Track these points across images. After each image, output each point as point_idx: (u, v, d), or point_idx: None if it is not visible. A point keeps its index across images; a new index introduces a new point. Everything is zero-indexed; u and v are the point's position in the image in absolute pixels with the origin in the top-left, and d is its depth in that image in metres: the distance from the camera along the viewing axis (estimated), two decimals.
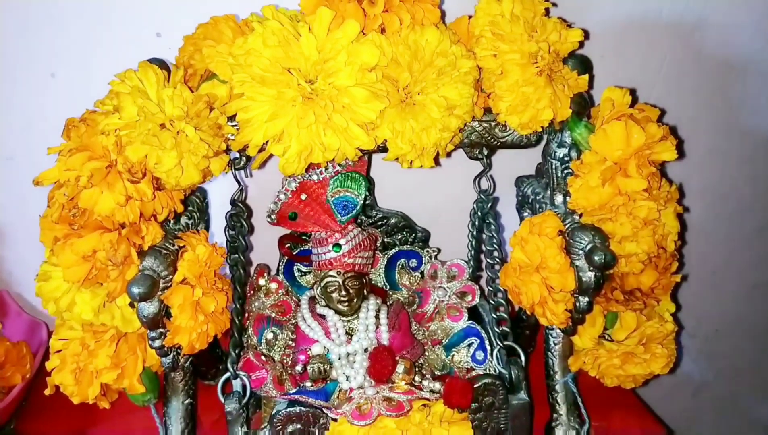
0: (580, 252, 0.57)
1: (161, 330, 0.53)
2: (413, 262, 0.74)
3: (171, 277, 0.53)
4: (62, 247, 0.50)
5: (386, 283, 0.74)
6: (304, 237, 0.70)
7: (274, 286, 0.70)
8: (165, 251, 0.53)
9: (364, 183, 0.63)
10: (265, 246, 0.74)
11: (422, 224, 0.77)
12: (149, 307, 0.51)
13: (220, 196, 0.68)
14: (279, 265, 0.73)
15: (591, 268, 0.56)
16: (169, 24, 0.70)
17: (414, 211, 0.77)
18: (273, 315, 0.68)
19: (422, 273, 0.74)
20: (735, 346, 1.08)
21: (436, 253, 0.74)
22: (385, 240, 0.75)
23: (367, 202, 0.68)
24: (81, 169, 0.48)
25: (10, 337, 0.71)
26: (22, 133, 0.74)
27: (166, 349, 0.54)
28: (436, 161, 0.58)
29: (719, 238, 0.98)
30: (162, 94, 0.50)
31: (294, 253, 0.72)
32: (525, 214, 0.70)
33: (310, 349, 0.61)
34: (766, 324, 1.07)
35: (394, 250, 0.74)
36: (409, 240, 0.76)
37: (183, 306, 0.52)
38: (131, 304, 0.54)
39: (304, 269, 0.73)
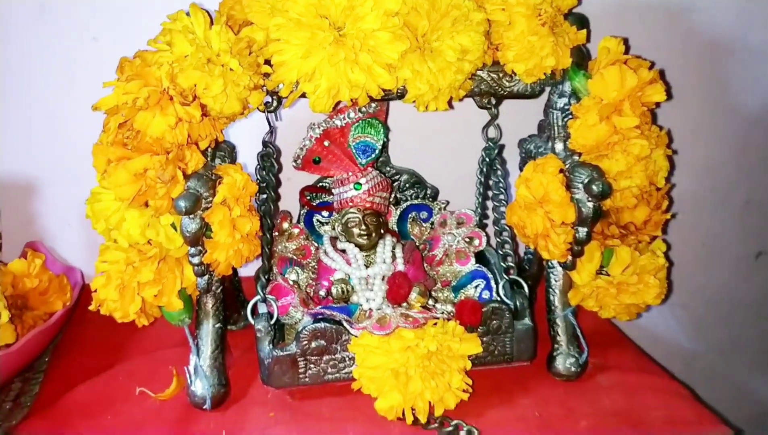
0: (580, 185, 0.63)
1: (200, 248, 0.59)
2: (424, 214, 0.80)
3: (211, 199, 0.58)
4: (115, 167, 0.55)
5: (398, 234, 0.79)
6: (323, 185, 0.76)
7: (296, 231, 0.76)
8: (206, 175, 0.59)
9: (383, 129, 0.69)
10: (287, 198, 0.80)
11: (431, 180, 0.83)
12: (192, 224, 0.57)
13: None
14: (300, 215, 0.78)
15: (589, 199, 0.62)
16: None
17: (424, 169, 0.83)
18: (295, 257, 0.74)
19: (432, 223, 0.79)
20: (725, 317, 1.13)
21: (445, 205, 0.80)
22: (397, 195, 0.81)
23: (384, 149, 0.73)
24: (138, 92, 0.53)
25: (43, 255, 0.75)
26: (63, 95, 0.80)
27: (203, 267, 0.60)
28: (449, 105, 0.64)
29: (707, 212, 1.04)
30: (209, 34, 0.56)
31: (314, 204, 0.78)
32: None
33: (332, 276, 0.66)
34: (755, 295, 1.12)
35: (405, 204, 0.80)
36: (420, 195, 0.81)
37: (222, 223, 0.57)
38: (173, 226, 0.59)
39: (322, 220, 0.79)
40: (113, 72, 0.77)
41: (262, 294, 0.64)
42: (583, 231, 0.63)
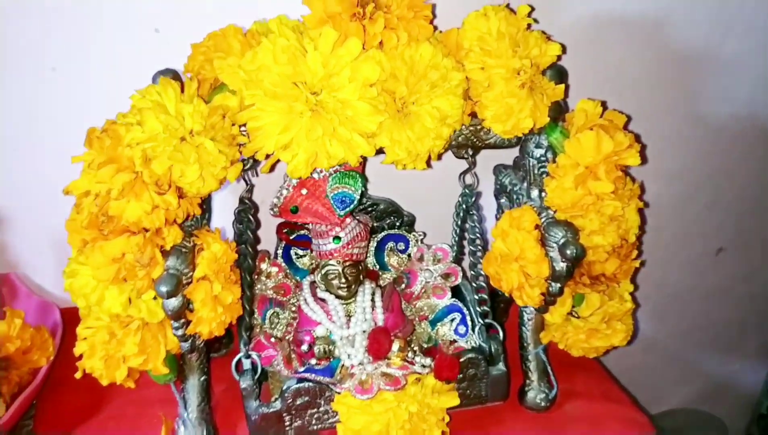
0: (554, 244, 0.64)
1: (183, 320, 0.59)
2: (401, 245, 0.81)
3: (191, 273, 0.58)
4: (92, 249, 0.55)
5: (376, 264, 0.81)
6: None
7: (274, 269, 0.76)
8: (184, 250, 0.58)
9: (360, 180, 0.68)
10: (265, 232, 0.80)
11: (407, 207, 0.84)
12: (174, 302, 0.57)
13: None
14: (277, 250, 0.79)
15: (563, 259, 0.64)
16: (166, 20, 0.73)
17: (400, 195, 0.83)
18: (274, 296, 0.75)
19: (409, 255, 0.81)
20: (684, 307, 1.20)
21: (422, 237, 0.81)
22: (374, 224, 0.81)
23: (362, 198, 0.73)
24: (111, 181, 0.52)
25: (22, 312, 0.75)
26: (25, 125, 0.77)
27: (186, 336, 0.61)
28: (428, 163, 0.64)
29: (673, 213, 1.08)
30: (181, 108, 0.54)
31: (291, 238, 0.78)
32: (502, 200, 0.77)
33: (314, 330, 0.68)
34: (712, 287, 1.18)
35: (383, 234, 0.81)
36: (397, 224, 0.82)
37: (204, 300, 0.58)
38: (155, 297, 0.59)
39: (300, 252, 0.80)
40: (73, 102, 0.76)
41: (244, 351, 0.65)
42: (556, 286, 0.66)
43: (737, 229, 1.14)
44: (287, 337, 0.71)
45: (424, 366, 0.66)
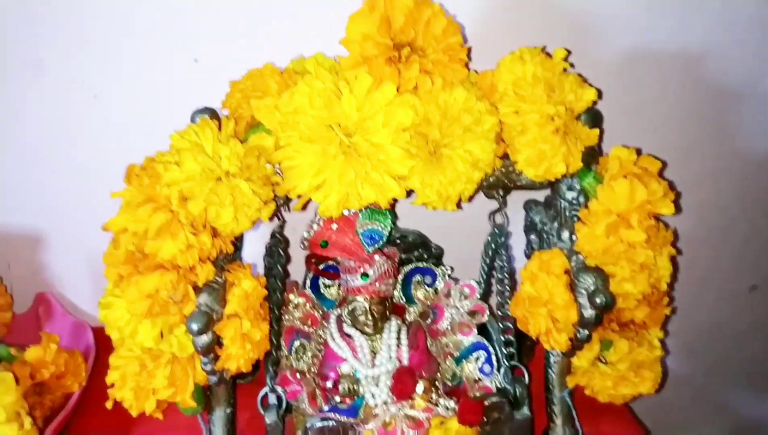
0: (584, 291, 0.64)
1: (213, 356, 0.60)
2: (428, 279, 0.81)
3: (222, 310, 0.59)
4: (127, 284, 0.56)
5: (402, 296, 0.81)
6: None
7: (302, 300, 0.77)
8: (216, 286, 0.59)
9: (390, 217, 0.69)
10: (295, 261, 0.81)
11: (435, 239, 0.84)
12: (204, 339, 0.58)
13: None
14: (306, 280, 0.80)
15: (592, 307, 0.63)
16: (206, 50, 0.75)
17: (429, 227, 0.83)
18: (301, 327, 0.75)
19: (436, 289, 0.81)
20: (713, 344, 1.17)
21: (449, 271, 0.81)
22: (402, 256, 0.81)
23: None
24: (148, 221, 0.53)
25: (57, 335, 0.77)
26: (65, 149, 0.79)
27: (215, 370, 0.61)
28: (458, 205, 0.64)
29: (708, 249, 1.06)
30: (218, 149, 0.55)
31: (320, 268, 0.79)
32: (531, 236, 0.77)
33: (339, 367, 0.68)
34: (745, 325, 1.16)
35: (410, 266, 0.81)
36: (425, 256, 0.82)
37: (234, 338, 0.59)
38: (186, 332, 0.60)
39: (328, 282, 0.80)
40: (113, 127, 0.78)
41: (270, 385, 0.66)
42: (584, 332, 0.65)
43: None
44: (312, 370, 0.72)
45: (447, 408, 0.66)
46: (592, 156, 0.66)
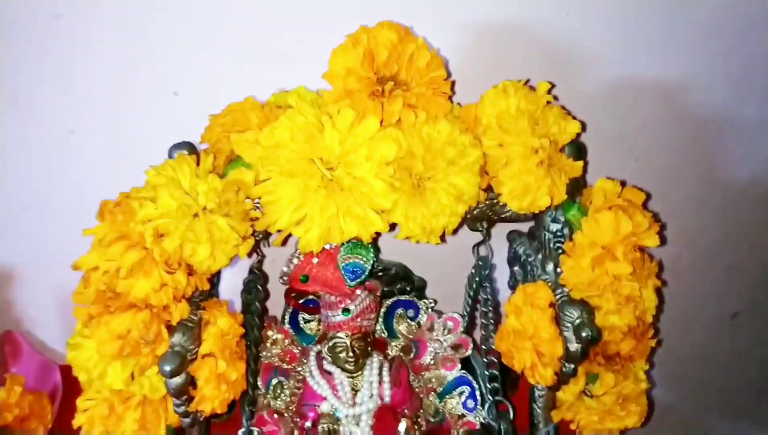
0: (569, 325, 0.62)
1: (186, 397, 0.58)
2: (411, 312, 0.79)
3: (197, 349, 0.57)
4: (97, 324, 0.54)
5: (384, 330, 0.79)
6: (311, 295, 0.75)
7: (280, 336, 0.75)
8: (191, 325, 0.57)
9: (372, 251, 0.67)
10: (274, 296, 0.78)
11: (418, 271, 0.82)
12: (177, 380, 0.56)
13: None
14: (284, 314, 0.77)
15: (578, 341, 0.62)
16: (185, 83, 0.73)
17: (411, 259, 0.82)
18: (279, 364, 0.73)
19: (419, 323, 0.79)
20: (698, 372, 1.17)
21: (432, 304, 0.79)
22: (384, 289, 0.80)
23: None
24: (120, 259, 0.51)
25: (23, 376, 0.74)
26: (37, 183, 0.77)
27: (188, 412, 0.59)
28: (442, 238, 0.63)
29: (691, 276, 1.06)
30: (195, 184, 0.54)
31: (299, 302, 0.76)
32: (515, 268, 0.76)
33: (318, 406, 0.66)
34: (728, 352, 1.15)
35: (392, 299, 0.79)
36: (407, 289, 0.81)
37: (209, 379, 0.56)
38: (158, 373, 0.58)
39: (308, 317, 0.78)
40: (88, 162, 0.75)
41: (246, 426, 0.63)
42: (569, 366, 0.64)
43: (754, 293, 1.11)
44: (291, 408, 0.69)
45: None
46: (577, 188, 0.65)
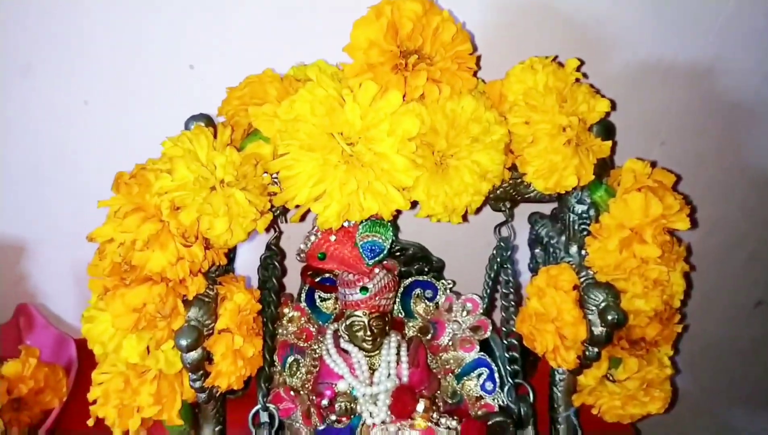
0: (594, 308, 0.61)
1: (202, 372, 0.57)
2: (429, 293, 0.78)
3: (213, 324, 0.56)
4: (112, 297, 0.53)
5: (402, 311, 0.78)
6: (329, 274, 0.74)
7: (296, 314, 0.74)
8: (207, 299, 0.56)
9: (391, 229, 0.66)
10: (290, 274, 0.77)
11: (436, 252, 0.81)
12: (193, 355, 0.55)
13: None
14: (301, 292, 0.76)
15: (603, 325, 0.60)
16: (202, 56, 0.71)
17: (429, 239, 0.80)
18: (295, 342, 0.72)
19: (437, 303, 0.78)
20: (718, 361, 1.15)
21: (451, 285, 0.78)
22: (402, 269, 0.78)
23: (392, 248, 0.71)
24: (136, 232, 0.50)
25: (37, 348, 0.74)
26: (51, 156, 0.76)
27: (204, 388, 0.58)
28: (464, 218, 0.61)
29: (713, 263, 1.03)
30: (213, 157, 0.52)
31: (316, 280, 0.75)
32: (537, 250, 0.74)
33: (335, 385, 0.65)
34: (750, 342, 1.13)
35: (410, 280, 0.78)
36: (425, 269, 0.79)
37: (225, 354, 0.55)
38: (174, 347, 0.57)
39: (324, 295, 0.77)
40: (104, 135, 0.74)
41: (262, 403, 0.63)
42: (593, 350, 0.62)
43: None
44: (307, 386, 0.68)
45: (449, 428, 0.63)
46: (604, 169, 0.63)
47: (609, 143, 0.62)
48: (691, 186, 0.90)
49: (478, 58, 0.59)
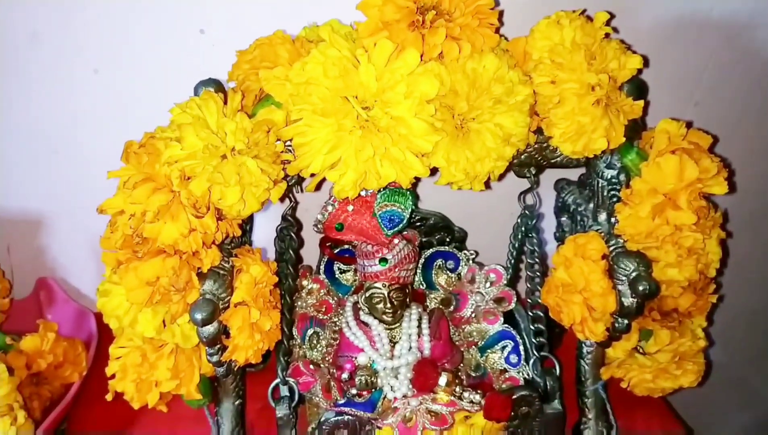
0: (624, 278, 0.58)
1: (219, 346, 0.56)
2: (450, 264, 0.76)
3: (229, 297, 0.55)
4: (126, 270, 0.52)
5: (423, 282, 0.76)
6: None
7: (316, 286, 0.72)
8: (222, 272, 0.55)
9: (411, 198, 0.63)
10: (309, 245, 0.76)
11: (458, 222, 0.78)
12: (209, 329, 0.54)
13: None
14: (320, 264, 0.75)
15: (633, 295, 0.58)
16: (212, 20, 0.69)
17: (450, 208, 0.78)
18: (315, 314, 0.71)
19: (459, 274, 0.75)
20: (752, 331, 1.11)
21: (473, 256, 0.75)
22: (423, 239, 0.76)
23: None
24: (146, 202, 0.48)
25: (58, 323, 0.73)
26: (66, 128, 0.75)
27: (222, 362, 0.57)
28: (486, 185, 0.59)
29: (747, 233, 0.99)
30: (223, 124, 0.50)
31: (335, 252, 0.74)
32: (563, 218, 0.71)
33: (356, 358, 0.64)
34: None
35: (431, 250, 0.76)
36: (447, 240, 0.77)
37: (242, 328, 0.54)
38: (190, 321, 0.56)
39: (344, 267, 0.75)
40: (115, 104, 0.73)
41: (282, 377, 0.61)
42: (623, 322, 0.60)
43: None
44: (327, 359, 0.67)
45: (473, 402, 0.61)
46: (635, 131, 0.59)
47: (641, 103, 0.58)
48: (724, 150, 0.86)
49: (501, 14, 0.56)
